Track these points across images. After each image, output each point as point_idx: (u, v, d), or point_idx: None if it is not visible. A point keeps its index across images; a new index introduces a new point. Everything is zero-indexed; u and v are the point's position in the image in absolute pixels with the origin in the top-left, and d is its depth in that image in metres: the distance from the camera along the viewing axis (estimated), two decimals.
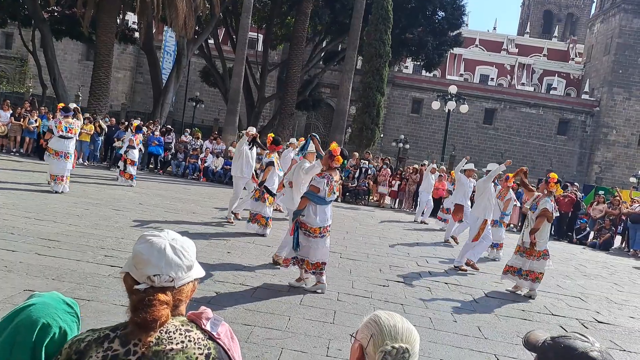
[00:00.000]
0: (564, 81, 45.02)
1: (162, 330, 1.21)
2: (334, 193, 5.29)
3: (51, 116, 14.59)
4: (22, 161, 13.74)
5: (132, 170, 11.94)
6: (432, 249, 9.12)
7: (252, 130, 9.18)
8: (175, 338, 1.21)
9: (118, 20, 22.05)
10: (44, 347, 1.22)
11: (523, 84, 43.42)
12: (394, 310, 5.09)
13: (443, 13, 27.93)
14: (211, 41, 28.25)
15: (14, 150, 15.51)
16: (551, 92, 43.30)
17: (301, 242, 5.15)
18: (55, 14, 24.04)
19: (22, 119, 15.49)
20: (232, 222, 8.64)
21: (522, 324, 5.17)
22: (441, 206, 12.54)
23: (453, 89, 20.93)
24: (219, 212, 9.78)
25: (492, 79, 44.40)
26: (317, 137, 6.50)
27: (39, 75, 24.17)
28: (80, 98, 28.42)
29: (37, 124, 15.53)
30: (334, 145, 5.32)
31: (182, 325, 1.25)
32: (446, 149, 22.96)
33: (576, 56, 46.95)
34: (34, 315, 1.23)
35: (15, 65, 40.15)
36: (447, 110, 21.03)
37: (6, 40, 41.31)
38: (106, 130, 16.63)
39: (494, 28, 53.02)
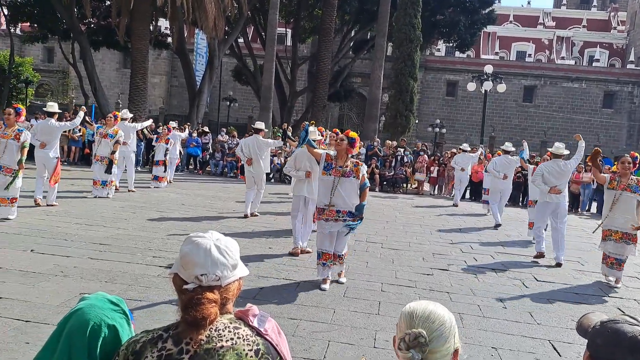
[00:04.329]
0: (607, 52, 42.82)
1: (212, 328, 1.23)
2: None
3: (94, 125, 15.13)
4: (70, 169, 14.37)
5: (155, 171, 12.13)
6: (476, 235, 8.93)
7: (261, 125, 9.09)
8: (225, 335, 1.23)
9: (151, 27, 22.62)
10: (98, 347, 1.28)
11: (563, 58, 41.61)
12: (440, 299, 5.01)
13: None
14: (241, 40, 28.58)
15: (62, 160, 16.21)
16: (594, 64, 41.29)
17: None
18: (92, 25, 24.92)
19: (67, 130, 16.12)
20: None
21: (576, 307, 4.98)
22: (483, 189, 12.28)
23: (489, 69, 20.31)
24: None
25: (529, 55, 42.78)
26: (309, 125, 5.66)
27: (80, 86, 25.15)
28: (120, 105, 29.42)
29: (81, 133, 16.17)
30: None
31: (231, 323, 1.27)
32: (485, 131, 22.35)
33: (618, 25, 44.51)
34: (83, 318, 1.29)
35: (58, 78, 41.94)
36: (483, 91, 20.44)
37: (48, 54, 43.13)
38: (148, 136, 17.12)
39: (529, 2, 50.83)
